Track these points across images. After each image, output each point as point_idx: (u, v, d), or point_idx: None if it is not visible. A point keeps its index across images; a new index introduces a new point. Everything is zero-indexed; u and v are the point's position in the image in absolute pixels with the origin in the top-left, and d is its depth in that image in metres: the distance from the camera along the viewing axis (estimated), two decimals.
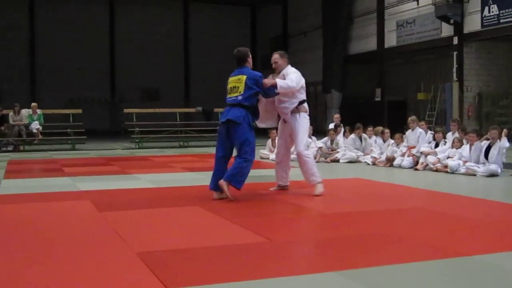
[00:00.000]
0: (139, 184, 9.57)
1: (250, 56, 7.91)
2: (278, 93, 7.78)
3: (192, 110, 25.57)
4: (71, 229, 5.77)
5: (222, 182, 7.51)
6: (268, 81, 7.71)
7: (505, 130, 10.77)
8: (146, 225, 6.02)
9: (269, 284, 3.84)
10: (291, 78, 7.79)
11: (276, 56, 8.12)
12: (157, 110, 23.13)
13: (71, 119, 20.61)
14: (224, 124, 7.66)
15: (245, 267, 4.26)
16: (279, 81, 7.70)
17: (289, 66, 8.11)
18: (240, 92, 7.60)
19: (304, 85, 8.08)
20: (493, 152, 10.46)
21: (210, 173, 10.88)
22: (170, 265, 4.35)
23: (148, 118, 22.01)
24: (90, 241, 5.20)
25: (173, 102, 31.26)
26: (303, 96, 8.07)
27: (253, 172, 11.51)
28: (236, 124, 7.52)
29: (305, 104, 8.14)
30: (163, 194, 8.31)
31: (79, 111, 21.06)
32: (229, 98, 7.74)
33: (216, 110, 22.35)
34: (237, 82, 7.68)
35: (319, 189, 7.96)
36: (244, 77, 7.63)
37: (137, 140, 20.38)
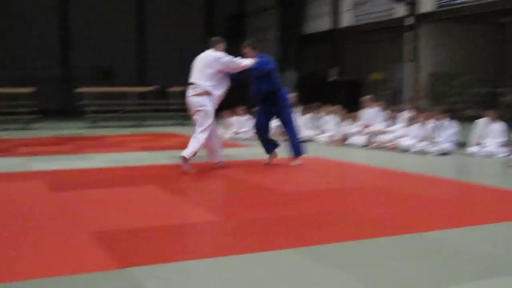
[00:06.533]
0: (93, 163, 9.45)
1: None
2: None
3: (147, 89, 25.27)
4: (24, 210, 5.67)
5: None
6: None
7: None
8: (101, 204, 5.96)
9: (226, 262, 3.85)
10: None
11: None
12: (111, 89, 22.81)
13: (23, 98, 20.18)
14: None
15: (201, 245, 4.27)
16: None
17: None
18: None
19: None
20: (444, 131, 10.67)
21: (165, 153, 10.87)
22: (125, 245, 4.32)
23: (102, 97, 21.65)
24: (44, 221, 5.13)
25: (128, 80, 30.85)
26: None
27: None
28: None
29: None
30: (118, 174, 8.23)
31: (31, 90, 20.62)
32: None
33: (172, 89, 22.15)
34: None
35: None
36: None
37: (91, 120, 20.11)
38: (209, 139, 8.35)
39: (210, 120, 8.27)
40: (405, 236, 4.53)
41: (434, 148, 10.54)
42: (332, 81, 25.74)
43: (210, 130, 8.32)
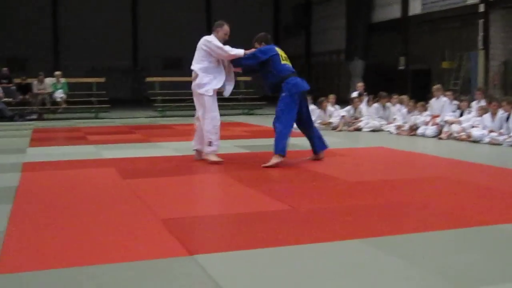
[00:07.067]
0: (162, 152, 9.64)
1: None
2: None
3: None
4: (95, 197, 5.83)
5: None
6: None
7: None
8: (170, 192, 6.07)
9: (293, 251, 3.87)
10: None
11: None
12: (179, 79, 23.07)
13: (94, 87, 20.72)
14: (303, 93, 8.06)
15: (268, 234, 4.28)
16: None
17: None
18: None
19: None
20: None
21: (233, 141, 10.94)
22: (194, 232, 4.39)
23: (170, 86, 22.00)
24: (114, 208, 5.26)
25: None
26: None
27: None
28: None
29: None
30: (186, 162, 8.36)
31: (102, 79, 21.12)
32: (290, 66, 8.10)
33: (238, 79, 22.21)
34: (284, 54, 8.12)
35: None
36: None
37: (159, 109, 20.46)
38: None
39: (208, 103, 8.10)
40: (474, 228, 4.44)
41: (506, 139, 10.26)
42: (401, 70, 25.36)
43: (217, 115, 8.19)
